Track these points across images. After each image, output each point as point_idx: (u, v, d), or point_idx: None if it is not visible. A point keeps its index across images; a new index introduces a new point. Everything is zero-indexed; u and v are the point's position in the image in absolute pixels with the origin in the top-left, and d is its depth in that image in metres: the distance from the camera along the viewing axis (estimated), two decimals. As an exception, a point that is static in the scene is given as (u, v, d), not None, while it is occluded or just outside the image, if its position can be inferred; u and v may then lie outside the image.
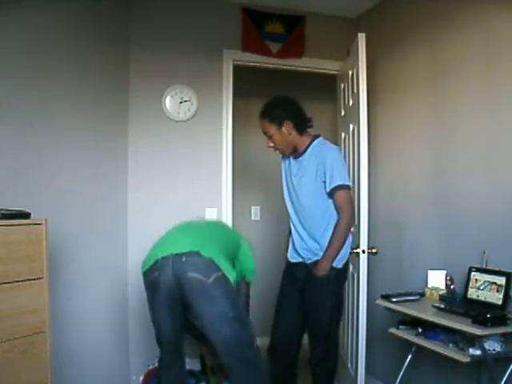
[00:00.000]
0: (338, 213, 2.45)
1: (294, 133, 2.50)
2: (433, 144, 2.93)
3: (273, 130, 2.49)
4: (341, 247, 2.45)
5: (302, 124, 2.53)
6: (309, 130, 2.59)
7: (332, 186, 2.42)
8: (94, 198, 2.86)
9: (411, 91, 3.12)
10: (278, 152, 2.60)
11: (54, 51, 2.61)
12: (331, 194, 2.44)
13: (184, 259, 2.15)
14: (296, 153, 2.57)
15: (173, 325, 2.25)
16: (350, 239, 2.55)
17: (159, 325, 2.25)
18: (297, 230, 2.56)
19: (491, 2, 2.49)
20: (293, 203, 2.60)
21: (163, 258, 2.18)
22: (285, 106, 2.53)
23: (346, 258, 2.54)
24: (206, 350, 2.84)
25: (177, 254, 2.16)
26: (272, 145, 2.54)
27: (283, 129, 2.48)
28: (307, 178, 2.50)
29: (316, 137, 2.57)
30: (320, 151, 2.49)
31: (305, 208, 2.52)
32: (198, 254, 2.15)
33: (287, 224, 2.72)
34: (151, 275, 2.20)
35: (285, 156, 2.67)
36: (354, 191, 3.08)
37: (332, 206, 2.47)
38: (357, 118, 2.98)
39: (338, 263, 2.46)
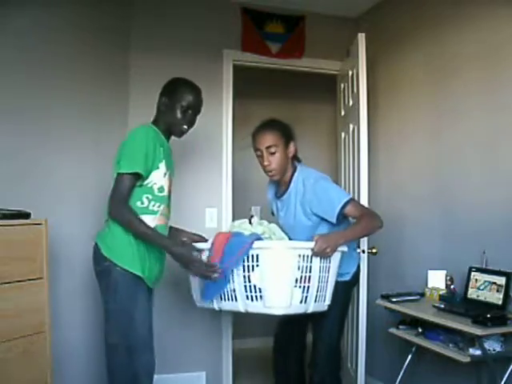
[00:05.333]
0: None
1: (290, 159, 2.35)
2: (433, 144, 2.93)
3: (281, 145, 2.29)
4: (358, 236, 2.35)
5: (297, 152, 2.40)
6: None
7: (337, 211, 2.21)
8: (94, 198, 2.85)
9: (411, 91, 3.12)
10: (269, 173, 2.35)
11: (54, 50, 2.61)
12: (342, 217, 2.26)
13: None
14: (280, 188, 2.42)
15: None
16: (359, 256, 2.48)
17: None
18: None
19: (491, 2, 2.49)
20: (287, 230, 2.39)
21: None
22: (290, 129, 2.39)
23: (353, 273, 2.44)
24: None
25: None
26: (268, 163, 2.29)
27: (288, 149, 2.33)
28: (297, 217, 2.33)
29: (295, 168, 2.38)
30: (304, 185, 2.29)
31: (297, 238, 2.33)
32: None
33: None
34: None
35: (270, 191, 2.55)
36: (354, 191, 3.09)
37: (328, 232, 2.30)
38: (357, 117, 2.98)
39: (346, 276, 2.38)
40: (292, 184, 2.34)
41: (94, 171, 2.88)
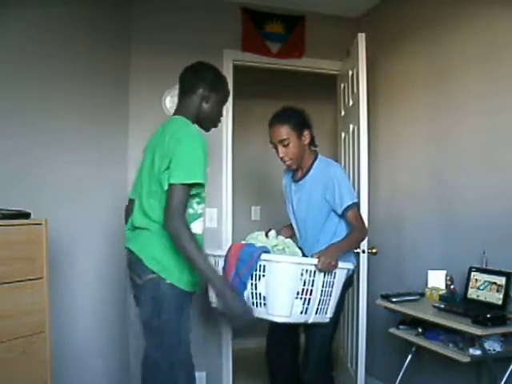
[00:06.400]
0: (350, 229, 2.39)
1: (307, 146, 2.44)
2: (433, 144, 2.93)
3: (293, 137, 2.35)
4: (350, 248, 2.41)
5: (314, 139, 2.48)
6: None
7: (343, 207, 2.35)
8: (94, 198, 2.86)
9: (411, 91, 3.12)
10: (286, 163, 2.44)
11: (54, 52, 2.61)
12: (342, 214, 2.38)
13: None
14: (298, 173, 2.51)
15: None
16: (352, 259, 2.50)
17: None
18: (300, 248, 2.47)
19: (491, 2, 2.49)
20: (297, 224, 2.55)
21: None
22: (304, 116, 2.44)
23: (348, 276, 2.44)
24: None
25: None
26: (284, 155, 2.38)
27: (302, 138, 2.39)
28: (311, 203, 2.43)
29: (316, 155, 2.50)
30: (324, 172, 2.41)
31: (308, 232, 2.48)
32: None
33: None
34: None
35: (286, 176, 2.63)
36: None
37: (334, 229, 2.42)
38: (357, 117, 2.98)
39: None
40: (311, 171, 2.44)
41: (95, 171, 2.88)
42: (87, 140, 2.82)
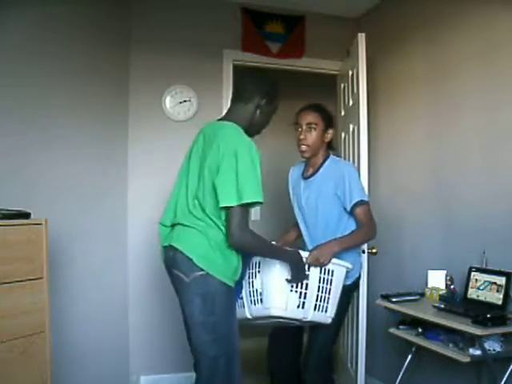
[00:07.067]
0: (358, 227, 2.40)
1: (325, 143, 2.49)
2: (433, 144, 2.93)
3: (319, 127, 2.44)
4: (354, 245, 2.40)
5: (332, 141, 2.55)
6: None
7: (353, 203, 2.37)
8: (94, 198, 2.86)
9: (411, 91, 3.12)
10: (301, 148, 2.46)
11: (54, 51, 2.61)
12: (351, 211, 2.39)
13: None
14: (308, 170, 2.52)
15: None
16: (360, 261, 2.50)
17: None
18: (307, 247, 2.47)
19: (490, 1, 2.49)
20: (306, 223, 2.52)
21: None
22: (332, 117, 2.55)
23: (355, 278, 2.47)
24: None
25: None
26: (304, 138, 2.43)
27: (325, 134, 2.47)
28: (321, 199, 2.43)
29: (328, 155, 2.53)
30: (335, 169, 2.44)
31: (318, 231, 2.45)
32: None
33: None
34: None
35: (293, 174, 2.64)
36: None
37: (343, 226, 2.42)
38: (357, 117, 2.98)
39: (348, 280, 2.36)
40: (322, 168, 2.47)
41: (95, 171, 2.89)
42: (87, 139, 2.83)
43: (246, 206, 1.84)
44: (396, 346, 2.91)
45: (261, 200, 1.85)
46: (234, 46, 3.42)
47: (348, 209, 2.39)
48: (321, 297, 2.15)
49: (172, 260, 1.93)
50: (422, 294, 2.63)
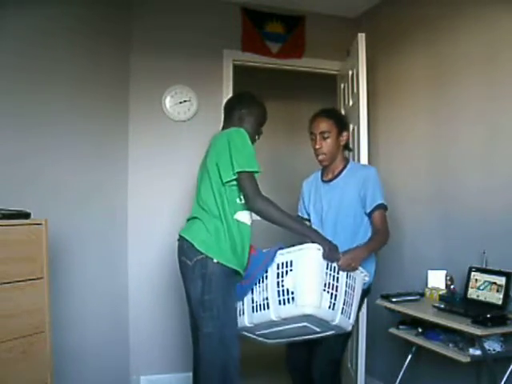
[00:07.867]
0: (375, 231, 2.38)
1: (342, 147, 2.49)
2: (433, 144, 2.93)
3: (333, 133, 2.43)
4: (374, 251, 2.40)
5: (349, 142, 2.56)
6: None
7: (374, 205, 2.36)
8: (94, 198, 2.86)
9: (411, 91, 3.12)
10: (319, 157, 2.47)
11: (54, 53, 2.61)
12: (370, 213, 2.38)
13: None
14: (328, 174, 2.52)
15: None
16: (374, 268, 2.48)
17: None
18: None
19: (492, 3, 2.49)
20: (325, 229, 2.46)
21: None
22: (345, 119, 2.55)
23: (369, 284, 2.45)
24: None
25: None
26: (320, 147, 2.43)
27: (340, 138, 2.46)
28: (344, 202, 2.42)
29: (348, 160, 2.54)
30: (359, 171, 2.46)
31: (340, 236, 2.38)
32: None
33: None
34: None
35: (311, 181, 2.62)
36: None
37: (364, 229, 2.41)
38: (357, 117, 2.98)
39: (364, 284, 2.33)
40: (345, 171, 2.48)
41: (95, 171, 2.89)
42: (87, 140, 2.83)
43: (250, 176, 2.08)
44: (396, 346, 2.91)
45: (257, 169, 2.10)
46: (233, 46, 3.42)
47: (368, 210, 2.38)
48: (347, 302, 2.14)
49: (180, 248, 2.14)
50: (422, 294, 2.64)
